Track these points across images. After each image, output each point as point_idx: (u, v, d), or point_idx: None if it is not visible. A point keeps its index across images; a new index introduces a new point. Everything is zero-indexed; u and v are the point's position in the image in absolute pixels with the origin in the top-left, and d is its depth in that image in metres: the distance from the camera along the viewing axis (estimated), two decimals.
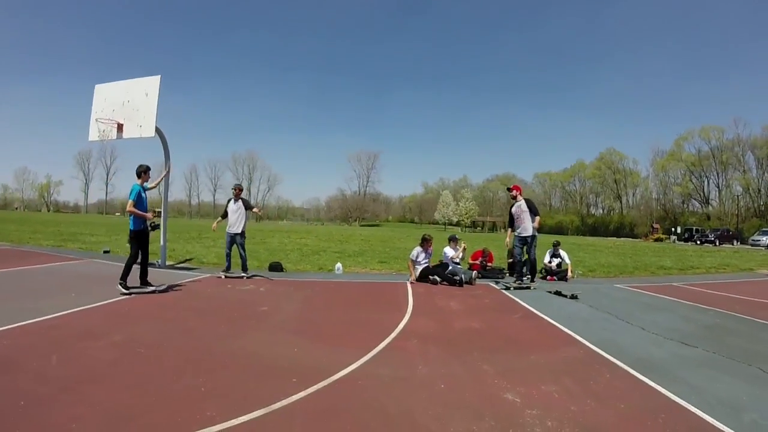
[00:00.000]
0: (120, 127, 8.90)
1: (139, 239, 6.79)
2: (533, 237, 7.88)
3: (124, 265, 6.70)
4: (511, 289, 7.95)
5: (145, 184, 6.89)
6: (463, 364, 3.82)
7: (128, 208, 6.56)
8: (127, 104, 8.84)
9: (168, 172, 9.35)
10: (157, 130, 8.81)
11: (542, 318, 5.82)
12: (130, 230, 6.76)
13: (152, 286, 6.91)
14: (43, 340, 4.31)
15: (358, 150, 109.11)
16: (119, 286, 6.49)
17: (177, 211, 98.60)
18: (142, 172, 6.84)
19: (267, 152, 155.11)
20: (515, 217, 8.06)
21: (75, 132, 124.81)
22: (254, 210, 8.91)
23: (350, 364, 3.67)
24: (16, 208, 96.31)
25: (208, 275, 8.56)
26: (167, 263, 9.63)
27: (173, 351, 4.01)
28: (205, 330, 4.75)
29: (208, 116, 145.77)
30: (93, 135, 9.40)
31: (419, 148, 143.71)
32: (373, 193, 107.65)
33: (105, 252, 12.18)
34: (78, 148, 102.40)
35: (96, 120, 9.18)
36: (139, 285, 6.82)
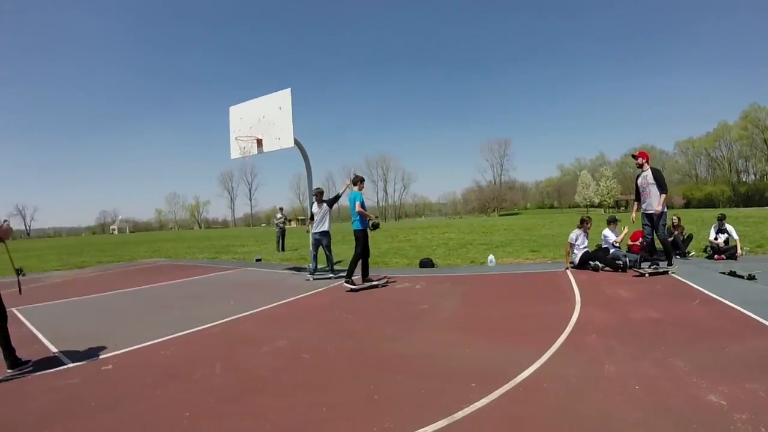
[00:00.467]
0: (259, 142, 10.21)
1: (364, 238, 8.04)
2: (661, 215, 7.67)
3: (349, 262, 8.05)
4: (646, 275, 7.76)
5: (359, 191, 8.27)
6: (653, 360, 3.69)
7: (357, 209, 7.93)
8: (263, 120, 10.12)
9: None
10: (296, 141, 9.80)
11: (723, 303, 5.60)
12: (356, 230, 8.04)
13: (374, 281, 8.13)
14: (206, 348, 4.77)
15: (488, 139, 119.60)
16: (346, 284, 7.77)
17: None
18: (359, 180, 8.47)
19: (400, 152, 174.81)
20: (641, 190, 7.96)
21: (217, 155, 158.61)
22: (341, 194, 9.40)
23: (530, 365, 3.64)
24: (171, 228, 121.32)
25: (357, 276, 9.35)
26: (318, 266, 10.44)
27: (339, 356, 4.17)
28: (370, 332, 4.98)
29: (335, 122, 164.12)
30: (234, 153, 10.82)
31: (550, 129, 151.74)
32: (509, 180, 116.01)
33: (257, 260, 14.10)
34: (221, 170, 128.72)
35: (236, 138, 10.60)
36: (360, 283, 8.01)
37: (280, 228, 17.93)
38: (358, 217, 8.02)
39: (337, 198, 9.54)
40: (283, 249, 17.30)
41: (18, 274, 4.43)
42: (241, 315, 6.19)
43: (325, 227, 9.47)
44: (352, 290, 7.60)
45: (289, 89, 9.74)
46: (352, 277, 7.87)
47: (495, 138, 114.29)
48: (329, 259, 9.56)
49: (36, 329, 6.00)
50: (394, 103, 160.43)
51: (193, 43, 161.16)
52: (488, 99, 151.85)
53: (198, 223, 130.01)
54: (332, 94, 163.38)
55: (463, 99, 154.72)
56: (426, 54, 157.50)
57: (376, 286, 7.90)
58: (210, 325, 5.70)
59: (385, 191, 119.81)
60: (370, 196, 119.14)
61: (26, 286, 10.42)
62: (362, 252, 8.02)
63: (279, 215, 18.58)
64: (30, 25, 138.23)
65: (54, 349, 4.91)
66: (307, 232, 10.20)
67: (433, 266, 10.14)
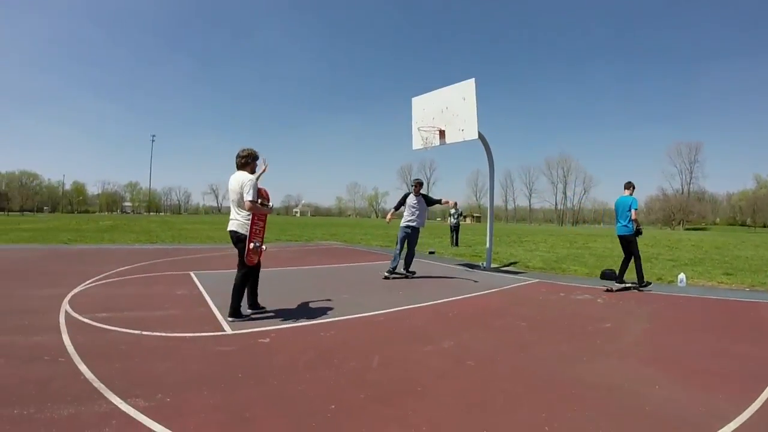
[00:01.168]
0: (442, 133, 11.60)
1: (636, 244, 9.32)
2: None
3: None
4: None
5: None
6: None
7: (634, 217, 9.03)
8: (446, 111, 11.47)
9: None
10: (479, 134, 10.95)
11: None
12: (627, 235, 9.30)
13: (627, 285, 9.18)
14: (367, 337, 5.16)
15: (677, 141, 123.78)
16: (641, 288, 9.10)
17: (494, 216, 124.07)
18: (631, 186, 9.34)
19: (581, 154, 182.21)
20: None
21: (398, 148, 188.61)
22: (442, 202, 10.95)
23: (734, 418, 3.32)
24: (349, 215, 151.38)
25: (535, 280, 10.04)
26: (492, 266, 11.95)
27: (508, 369, 4.23)
28: (543, 347, 5.04)
29: (518, 120, 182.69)
30: (417, 144, 12.41)
31: (747, 134, 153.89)
32: (698, 191, 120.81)
33: (430, 253, 16.29)
34: (401, 162, 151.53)
35: (418, 129, 12.14)
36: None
37: (455, 223, 20.58)
38: (628, 222, 9.08)
39: (436, 202, 10.75)
40: (456, 244, 19.87)
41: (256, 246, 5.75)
42: (408, 307, 6.77)
43: (419, 222, 10.18)
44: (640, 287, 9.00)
45: (473, 79, 10.75)
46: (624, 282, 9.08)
47: (684, 141, 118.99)
48: (410, 258, 10.26)
49: (207, 293, 7.36)
50: (578, 100, 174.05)
51: (378, 38, 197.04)
52: (677, 99, 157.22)
53: (375, 212, 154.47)
54: (516, 90, 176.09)
55: (651, 97, 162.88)
56: (614, 48, 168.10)
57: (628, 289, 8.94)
58: (375, 313, 6.31)
59: (564, 194, 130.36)
60: (548, 198, 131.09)
61: (211, 254, 13.78)
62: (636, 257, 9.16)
63: (453, 210, 20.55)
64: (244, 36, 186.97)
65: (218, 315, 5.88)
66: (388, 223, 11.68)
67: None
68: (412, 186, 10.45)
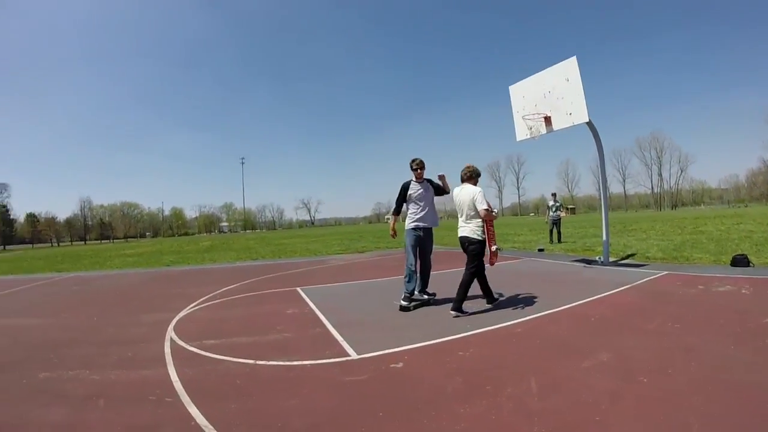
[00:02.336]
0: (547, 120, 11.14)
1: None
2: None
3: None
4: None
5: None
6: None
7: None
8: (549, 95, 11.02)
9: None
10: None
11: None
12: None
13: None
14: (512, 353, 4.57)
15: None
16: None
17: (588, 206, 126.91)
18: None
19: (675, 131, 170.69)
20: None
21: (484, 146, 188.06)
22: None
23: None
24: (441, 218, 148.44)
25: (663, 272, 9.31)
26: (610, 260, 11.39)
27: (686, 384, 3.68)
28: (711, 351, 4.51)
29: (604, 100, 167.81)
30: (521, 134, 11.95)
31: None
32: None
33: (539, 250, 15.76)
34: (488, 160, 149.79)
35: (522, 118, 11.64)
36: None
37: (555, 216, 19.45)
38: None
39: (444, 192, 7.69)
40: (559, 240, 18.91)
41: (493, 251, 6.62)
42: (544, 313, 6.28)
43: (432, 219, 7.59)
44: None
45: (574, 57, 10.40)
46: None
47: None
48: (427, 273, 7.62)
49: (319, 310, 7.05)
50: (665, 73, 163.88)
51: (464, 37, 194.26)
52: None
53: None
54: (597, 69, 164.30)
55: (744, 60, 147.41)
56: (703, 9, 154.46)
57: None
58: (510, 323, 5.82)
59: (660, 176, 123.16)
60: (643, 181, 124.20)
61: (313, 267, 13.69)
62: None
63: (552, 202, 19.55)
64: (317, 50, 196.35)
65: (337, 335, 5.49)
66: (393, 236, 8.44)
67: (749, 265, 9.79)
68: (412, 169, 7.55)
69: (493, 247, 6.53)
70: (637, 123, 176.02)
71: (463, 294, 6.39)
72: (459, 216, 6.68)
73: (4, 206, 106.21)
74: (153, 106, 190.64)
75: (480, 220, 6.39)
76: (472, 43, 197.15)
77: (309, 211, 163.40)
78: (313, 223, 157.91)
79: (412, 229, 7.32)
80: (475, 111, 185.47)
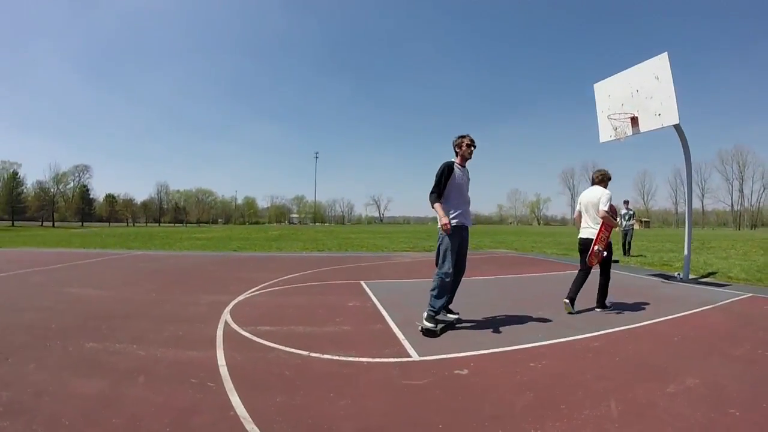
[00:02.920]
0: (634, 120, 10.83)
1: None
2: None
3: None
4: None
5: None
6: None
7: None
8: (637, 94, 10.74)
9: None
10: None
11: None
12: None
13: None
14: (588, 369, 4.18)
15: None
16: None
17: (662, 220, 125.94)
18: None
19: (759, 144, 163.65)
20: None
21: (559, 152, 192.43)
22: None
23: None
24: (510, 223, 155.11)
25: (748, 294, 8.80)
26: (690, 277, 10.91)
27: None
28: None
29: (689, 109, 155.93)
30: (604, 135, 11.64)
31: None
32: None
33: (614, 261, 14.54)
34: (563, 167, 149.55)
35: (608, 118, 11.34)
36: None
37: (628, 226, 18.06)
38: None
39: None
40: (628, 252, 17.62)
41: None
42: (623, 328, 5.94)
43: (470, 219, 6.03)
44: None
45: (665, 54, 10.04)
46: None
47: None
48: (457, 283, 6.01)
49: (382, 306, 6.88)
50: (753, 84, 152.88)
51: (537, 38, 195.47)
52: None
53: (537, 219, 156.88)
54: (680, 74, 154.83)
55: None
56: None
57: None
58: (587, 335, 5.50)
59: (741, 192, 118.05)
60: (723, 197, 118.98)
61: (380, 263, 13.65)
62: None
63: (624, 210, 18.07)
64: (396, 49, 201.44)
65: (399, 333, 5.28)
66: (448, 230, 6.07)
67: None
68: (456, 147, 5.89)
69: (596, 248, 6.62)
70: (720, 135, 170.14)
71: (602, 294, 6.91)
72: (583, 217, 6.92)
73: (85, 186, 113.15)
74: (234, 97, 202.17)
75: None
76: (553, 44, 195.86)
77: (378, 207, 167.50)
78: (381, 220, 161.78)
79: (457, 225, 5.60)
80: (552, 114, 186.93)
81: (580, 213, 7.05)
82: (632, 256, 17.12)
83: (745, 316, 6.98)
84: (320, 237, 31.71)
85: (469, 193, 5.92)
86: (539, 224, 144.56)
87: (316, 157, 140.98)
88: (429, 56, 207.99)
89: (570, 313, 6.48)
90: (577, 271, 6.89)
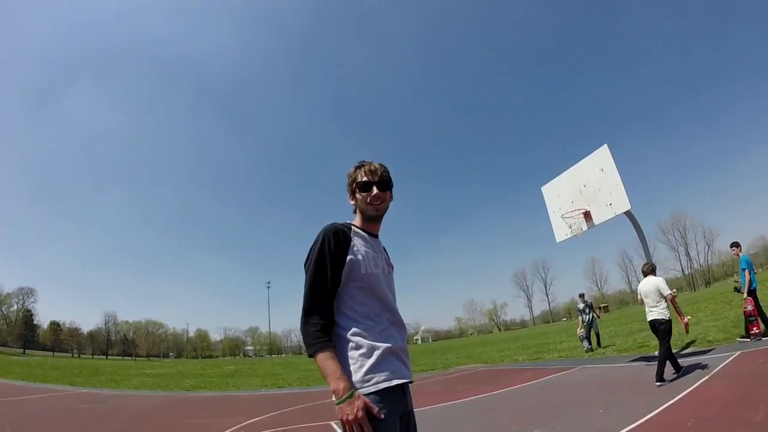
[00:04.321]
0: (587, 215, 11.29)
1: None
2: None
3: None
4: None
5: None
6: None
7: (747, 276, 10.18)
8: (585, 189, 11.28)
9: None
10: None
11: None
12: (751, 289, 10.22)
13: None
14: None
15: None
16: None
17: (620, 301, 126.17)
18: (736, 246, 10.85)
19: (695, 206, 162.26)
20: None
21: (508, 256, 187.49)
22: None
23: None
24: (471, 334, 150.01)
25: (736, 353, 9.14)
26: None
27: None
28: None
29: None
30: (560, 235, 12.05)
31: None
32: None
33: (587, 351, 15.57)
34: (513, 270, 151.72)
35: (562, 217, 11.70)
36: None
37: (589, 319, 17.60)
38: None
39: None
40: (598, 344, 17.37)
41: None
42: (631, 427, 5.63)
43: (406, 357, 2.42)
44: None
45: (605, 146, 10.72)
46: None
47: None
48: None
49: None
50: (676, 151, 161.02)
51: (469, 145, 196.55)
52: None
53: (497, 326, 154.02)
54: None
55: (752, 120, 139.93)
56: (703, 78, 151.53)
57: None
58: None
59: (688, 256, 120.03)
60: (672, 265, 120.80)
61: None
62: None
63: (581, 304, 17.86)
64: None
65: None
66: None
67: None
68: (351, 193, 2.70)
69: (686, 319, 8.28)
70: (656, 207, 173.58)
71: (662, 367, 7.77)
72: (646, 303, 8.44)
73: (29, 310, 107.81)
74: (183, 226, 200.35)
75: (664, 302, 8.16)
76: (487, 149, 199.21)
77: None
78: None
79: (386, 396, 2.20)
80: (496, 220, 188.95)
81: (642, 300, 8.65)
82: (605, 346, 16.66)
83: (745, 377, 7.11)
84: (278, 371, 30.17)
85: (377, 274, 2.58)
86: (500, 330, 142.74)
87: (268, 287, 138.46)
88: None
89: (661, 385, 7.46)
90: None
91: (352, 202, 2.70)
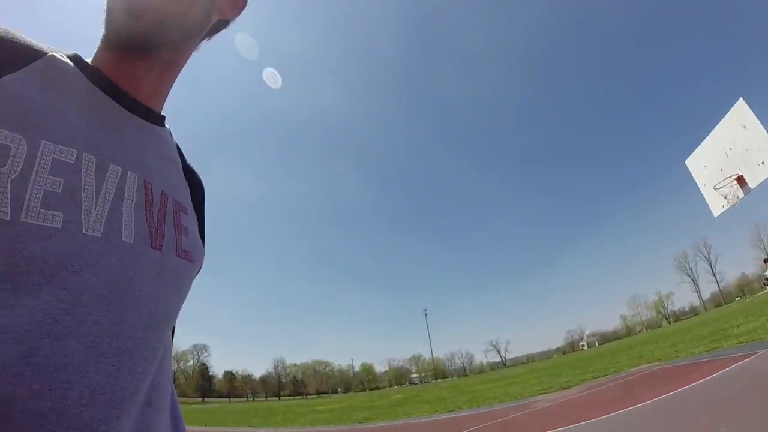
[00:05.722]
0: (740, 180, 10.46)
1: None
2: None
3: None
4: None
5: None
6: None
7: None
8: (732, 153, 10.51)
9: None
10: None
11: None
12: None
13: None
14: None
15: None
16: None
17: None
18: None
19: None
20: None
21: (667, 242, 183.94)
22: None
23: None
24: (639, 331, 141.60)
25: None
26: None
27: None
28: None
29: None
30: (717, 208, 11.35)
31: None
32: None
33: None
34: (672, 254, 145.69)
35: (714, 189, 11.16)
36: None
37: None
38: None
39: None
40: None
41: None
42: None
43: None
44: None
45: (740, 100, 10.11)
46: None
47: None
48: None
49: None
50: None
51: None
52: None
53: (666, 318, 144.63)
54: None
55: None
56: None
57: None
58: None
59: None
60: None
61: (517, 413, 12.33)
62: None
63: None
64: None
65: None
66: None
67: None
68: None
69: None
70: None
71: None
72: None
73: (204, 364, 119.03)
74: (331, 272, 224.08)
75: None
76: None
77: (499, 352, 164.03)
78: (504, 364, 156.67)
79: None
80: (636, 210, 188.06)
81: None
82: None
83: None
84: (445, 395, 30.15)
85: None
86: (669, 323, 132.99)
87: (425, 314, 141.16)
88: (509, 196, 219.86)
89: None
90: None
91: None
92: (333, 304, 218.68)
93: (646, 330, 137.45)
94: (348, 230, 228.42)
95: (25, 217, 0.57)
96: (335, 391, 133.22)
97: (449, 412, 17.19)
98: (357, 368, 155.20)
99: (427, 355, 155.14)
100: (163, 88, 0.87)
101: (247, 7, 0.95)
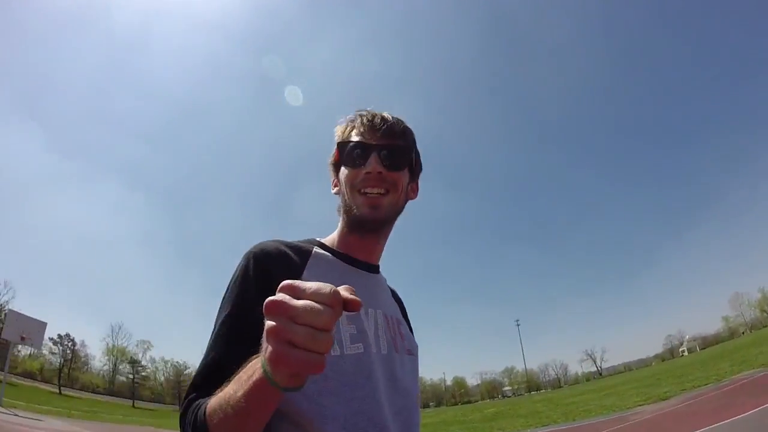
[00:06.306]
0: None
1: None
2: None
3: None
4: None
5: None
6: None
7: None
8: None
9: None
10: None
11: None
12: None
13: None
14: None
15: None
16: None
17: None
18: None
19: None
20: None
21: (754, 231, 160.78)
22: None
23: None
24: (743, 333, 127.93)
25: None
26: None
27: None
28: None
29: None
30: None
31: None
32: None
33: None
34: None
35: None
36: None
37: None
38: None
39: None
40: None
41: None
42: None
43: None
44: None
45: None
46: None
47: None
48: None
49: None
50: None
51: None
52: None
53: None
54: None
55: None
56: None
57: None
58: None
59: None
60: None
61: (614, 427, 12.27)
62: None
63: None
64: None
65: None
66: None
67: None
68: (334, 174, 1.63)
69: None
70: None
71: None
72: None
73: None
74: (426, 285, 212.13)
75: None
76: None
77: (594, 361, 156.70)
78: (600, 374, 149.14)
79: None
80: (749, 205, 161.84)
81: None
82: None
83: None
84: (540, 408, 29.60)
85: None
86: None
87: (518, 325, 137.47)
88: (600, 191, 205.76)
89: None
90: None
91: (335, 190, 1.45)
92: (425, 317, 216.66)
93: (750, 331, 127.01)
94: (439, 241, 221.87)
95: (346, 351, 1.14)
96: (427, 406, 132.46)
97: (544, 426, 17.18)
98: (449, 382, 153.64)
99: (519, 367, 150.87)
100: (382, 249, 1.46)
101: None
